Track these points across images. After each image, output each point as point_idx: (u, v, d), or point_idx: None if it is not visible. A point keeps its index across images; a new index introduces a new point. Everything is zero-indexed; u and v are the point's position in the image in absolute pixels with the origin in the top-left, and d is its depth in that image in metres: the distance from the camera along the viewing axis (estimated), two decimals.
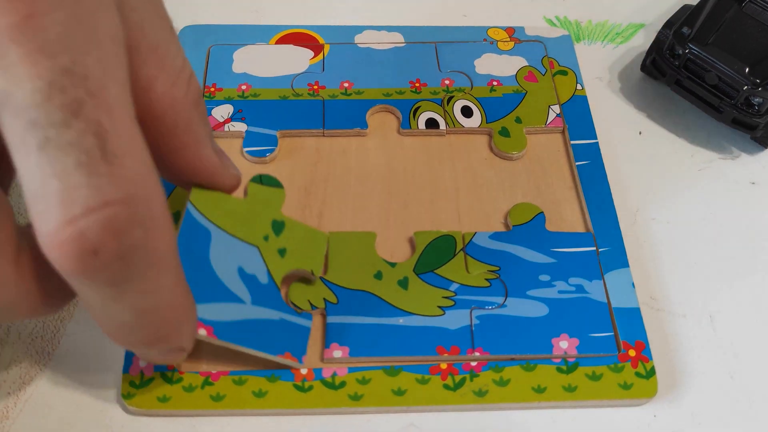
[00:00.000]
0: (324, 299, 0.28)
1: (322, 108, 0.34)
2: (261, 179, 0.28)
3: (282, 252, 0.27)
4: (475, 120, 0.34)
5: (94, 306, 0.20)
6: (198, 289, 0.24)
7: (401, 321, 0.28)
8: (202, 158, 0.25)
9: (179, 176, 0.25)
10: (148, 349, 0.23)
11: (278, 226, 0.28)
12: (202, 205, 0.26)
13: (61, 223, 0.17)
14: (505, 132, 0.34)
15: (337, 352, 0.27)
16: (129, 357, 0.26)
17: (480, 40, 0.37)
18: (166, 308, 0.21)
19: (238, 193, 0.27)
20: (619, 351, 0.27)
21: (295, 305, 0.28)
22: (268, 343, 0.26)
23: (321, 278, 0.28)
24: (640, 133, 0.35)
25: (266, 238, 0.27)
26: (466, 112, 0.34)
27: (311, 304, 0.28)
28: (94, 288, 0.19)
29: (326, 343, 0.27)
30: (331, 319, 0.28)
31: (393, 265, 0.29)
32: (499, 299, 0.28)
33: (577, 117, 0.34)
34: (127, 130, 0.18)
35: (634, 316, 0.28)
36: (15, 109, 0.17)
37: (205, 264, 0.25)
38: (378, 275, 0.29)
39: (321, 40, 0.37)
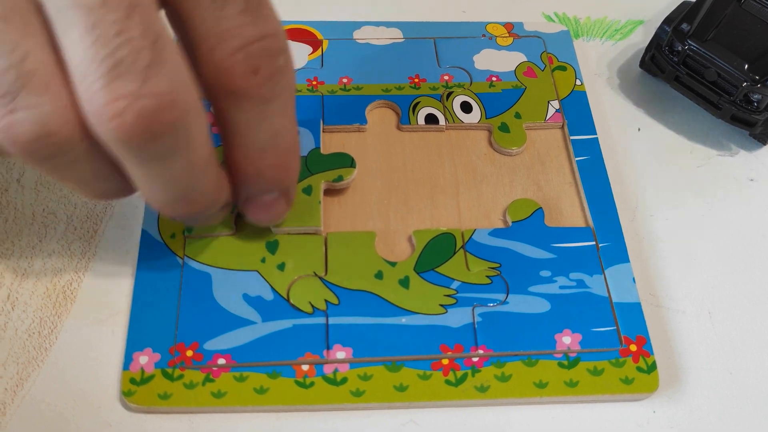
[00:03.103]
0: (325, 300, 0.28)
1: (321, 104, 0.34)
2: None
3: (281, 266, 0.29)
4: (475, 116, 0.34)
5: (135, 177, 0.23)
6: (209, 326, 0.27)
7: (404, 320, 0.28)
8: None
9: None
10: (181, 215, 0.25)
11: (272, 246, 0.29)
12: (197, 254, 0.29)
13: (107, 101, 0.19)
14: (504, 128, 0.34)
15: (341, 353, 0.27)
16: (129, 354, 0.26)
17: (479, 35, 0.37)
18: (194, 182, 0.23)
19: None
20: (620, 345, 0.27)
21: (298, 308, 0.28)
22: (284, 351, 0.27)
23: (322, 279, 0.28)
24: (639, 129, 0.35)
25: (263, 260, 0.29)
26: (466, 107, 0.34)
27: (312, 305, 0.28)
28: (137, 161, 0.21)
29: (329, 344, 0.27)
30: (333, 320, 0.27)
31: (393, 264, 0.29)
32: (501, 296, 0.28)
33: (576, 113, 0.34)
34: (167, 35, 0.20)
35: (634, 310, 0.28)
36: None
37: (211, 302, 0.28)
38: (379, 275, 0.29)
39: (319, 36, 0.37)
